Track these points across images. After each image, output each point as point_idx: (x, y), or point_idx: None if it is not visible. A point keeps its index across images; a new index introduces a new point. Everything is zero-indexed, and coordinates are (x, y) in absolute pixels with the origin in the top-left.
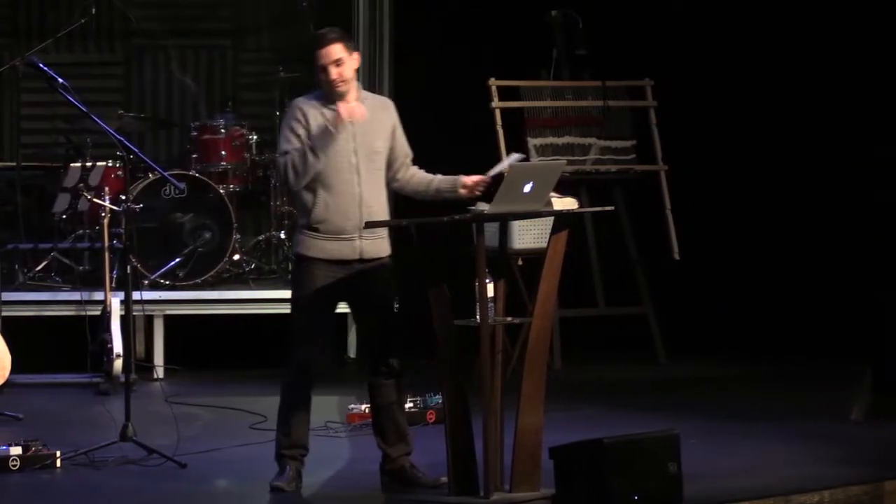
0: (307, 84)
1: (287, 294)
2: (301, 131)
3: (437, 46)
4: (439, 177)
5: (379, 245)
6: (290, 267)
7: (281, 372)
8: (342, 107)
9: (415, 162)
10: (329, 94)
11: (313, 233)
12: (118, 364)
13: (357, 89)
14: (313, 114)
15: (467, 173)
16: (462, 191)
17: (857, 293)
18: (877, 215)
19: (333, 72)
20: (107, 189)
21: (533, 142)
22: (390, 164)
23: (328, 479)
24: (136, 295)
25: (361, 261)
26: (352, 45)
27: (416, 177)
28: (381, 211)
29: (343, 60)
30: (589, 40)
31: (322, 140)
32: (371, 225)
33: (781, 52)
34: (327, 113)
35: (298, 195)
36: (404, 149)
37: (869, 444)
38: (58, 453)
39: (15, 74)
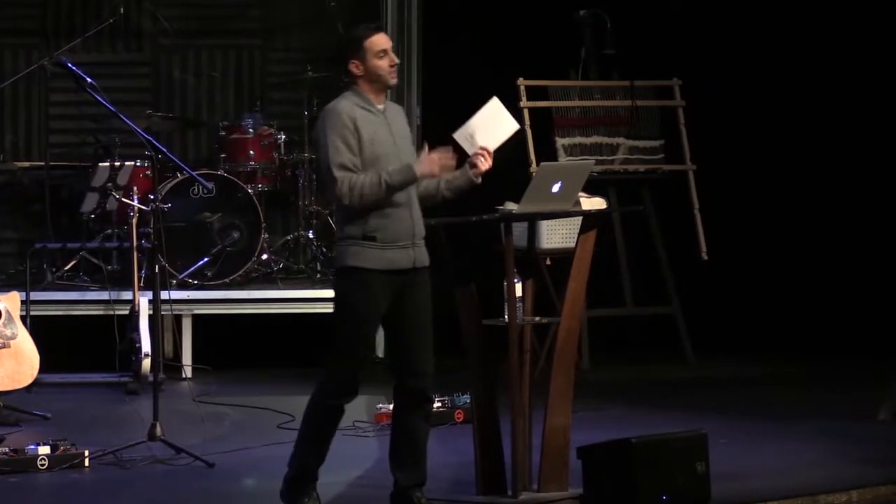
0: (335, 84)
1: (315, 293)
2: (353, 141)
3: (466, 46)
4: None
5: (425, 252)
6: (332, 278)
7: (312, 372)
8: (428, 162)
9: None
10: (374, 88)
11: (369, 242)
12: (146, 363)
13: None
14: (362, 117)
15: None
16: (473, 170)
17: (886, 292)
18: None
19: (395, 56)
20: (135, 188)
21: (561, 141)
22: None
23: (355, 479)
24: (164, 294)
25: (414, 270)
26: None
27: (423, 182)
28: (421, 218)
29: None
30: (617, 40)
31: (403, 182)
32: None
33: (809, 50)
34: (371, 117)
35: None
36: (415, 156)
37: None
38: (86, 452)
39: (43, 74)
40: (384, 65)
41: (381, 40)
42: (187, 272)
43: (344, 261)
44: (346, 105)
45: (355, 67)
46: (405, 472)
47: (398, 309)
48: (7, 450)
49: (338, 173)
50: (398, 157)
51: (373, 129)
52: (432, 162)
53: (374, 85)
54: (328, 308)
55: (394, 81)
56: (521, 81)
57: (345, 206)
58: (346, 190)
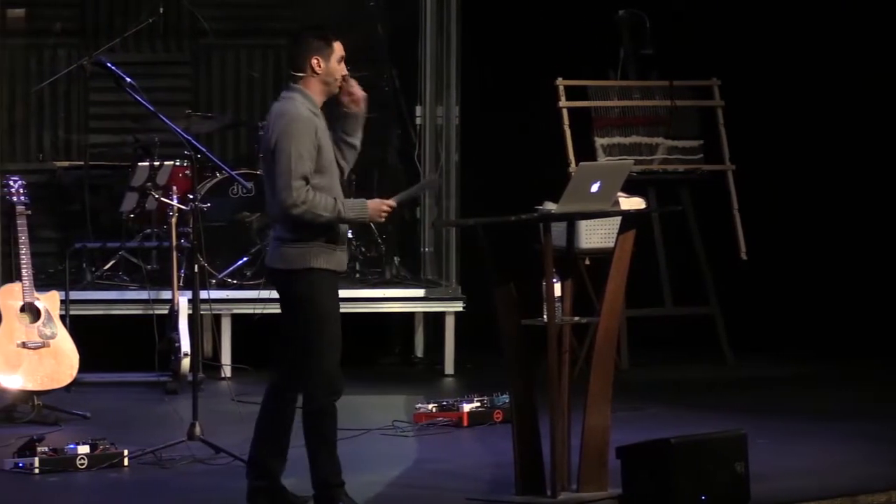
0: (372, 83)
1: (354, 293)
2: (314, 152)
3: (505, 46)
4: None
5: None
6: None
7: (351, 371)
8: (377, 210)
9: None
10: (322, 90)
11: (329, 244)
12: (185, 363)
13: None
14: (320, 125)
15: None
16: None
17: None
18: None
19: (345, 66)
20: (174, 188)
21: (600, 141)
22: None
23: (395, 479)
24: (203, 294)
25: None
26: None
27: None
28: None
29: None
30: (656, 40)
31: (355, 219)
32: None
33: (849, 50)
34: (321, 124)
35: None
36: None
37: None
38: (125, 452)
39: (83, 74)
40: (341, 70)
41: (340, 47)
42: (226, 272)
43: (299, 262)
44: (305, 111)
45: (316, 64)
46: (281, 460)
47: None
48: (47, 449)
49: (296, 183)
50: (333, 163)
51: (325, 137)
52: (379, 211)
53: (323, 87)
54: (367, 307)
55: (337, 90)
56: (559, 81)
57: (292, 215)
58: (301, 203)
